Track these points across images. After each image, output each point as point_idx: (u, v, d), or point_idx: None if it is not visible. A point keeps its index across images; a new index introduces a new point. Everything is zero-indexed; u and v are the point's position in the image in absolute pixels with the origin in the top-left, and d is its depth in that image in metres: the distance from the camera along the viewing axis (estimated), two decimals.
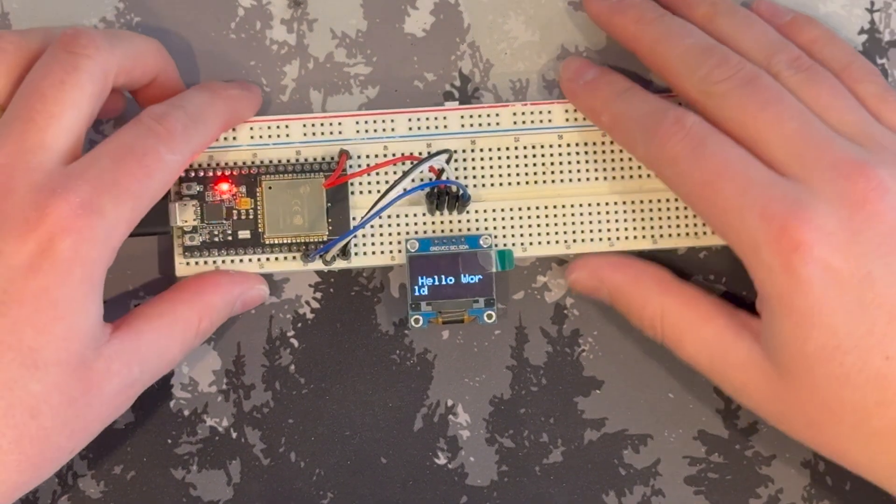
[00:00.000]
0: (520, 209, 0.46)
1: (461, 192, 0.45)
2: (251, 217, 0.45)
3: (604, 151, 0.46)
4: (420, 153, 0.46)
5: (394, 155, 0.46)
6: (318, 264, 0.46)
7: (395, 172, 0.46)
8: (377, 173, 0.46)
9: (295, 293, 0.47)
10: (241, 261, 0.46)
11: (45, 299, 0.39)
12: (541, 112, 0.46)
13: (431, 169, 0.45)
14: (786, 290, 0.40)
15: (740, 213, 0.40)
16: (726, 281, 0.47)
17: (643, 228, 0.46)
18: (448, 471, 0.47)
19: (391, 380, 0.47)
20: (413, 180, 0.45)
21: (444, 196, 0.45)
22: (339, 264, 0.46)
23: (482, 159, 0.46)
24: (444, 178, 0.45)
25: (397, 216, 0.46)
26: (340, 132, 0.46)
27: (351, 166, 0.46)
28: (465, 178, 0.46)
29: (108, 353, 0.41)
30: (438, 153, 0.45)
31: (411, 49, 0.47)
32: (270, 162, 0.46)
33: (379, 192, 0.45)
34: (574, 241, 0.46)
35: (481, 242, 0.46)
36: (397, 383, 0.47)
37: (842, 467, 0.42)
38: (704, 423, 0.47)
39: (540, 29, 0.47)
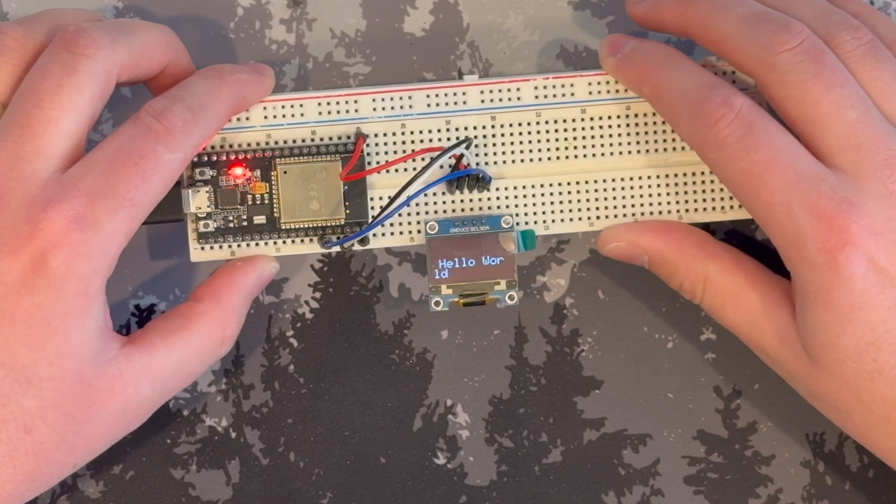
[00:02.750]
0: (542, 186, 0.45)
1: (482, 175, 0.44)
2: (266, 202, 0.44)
3: (627, 125, 0.45)
4: (439, 130, 0.45)
5: (412, 133, 0.45)
6: (336, 248, 0.45)
7: (413, 160, 0.45)
8: (395, 153, 0.45)
9: (294, 293, 0.47)
10: (256, 245, 0.45)
11: (38, 316, 0.39)
12: (563, 85, 0.45)
13: (452, 155, 0.44)
14: (827, 286, 0.39)
15: (787, 207, 0.40)
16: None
17: (668, 203, 0.45)
18: (447, 471, 0.47)
19: (390, 379, 0.47)
20: (433, 171, 0.44)
21: (465, 178, 0.44)
22: (358, 247, 0.45)
23: (503, 135, 0.45)
24: (464, 162, 0.44)
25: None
26: (357, 111, 0.45)
27: (368, 145, 0.45)
28: (486, 154, 0.45)
29: (111, 371, 0.40)
30: (459, 143, 0.44)
31: (410, 49, 0.47)
32: (285, 143, 0.44)
33: (397, 172, 0.45)
34: (598, 217, 0.45)
35: (503, 223, 0.44)
36: (396, 383, 0.47)
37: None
38: (704, 423, 0.47)
39: (539, 29, 0.47)
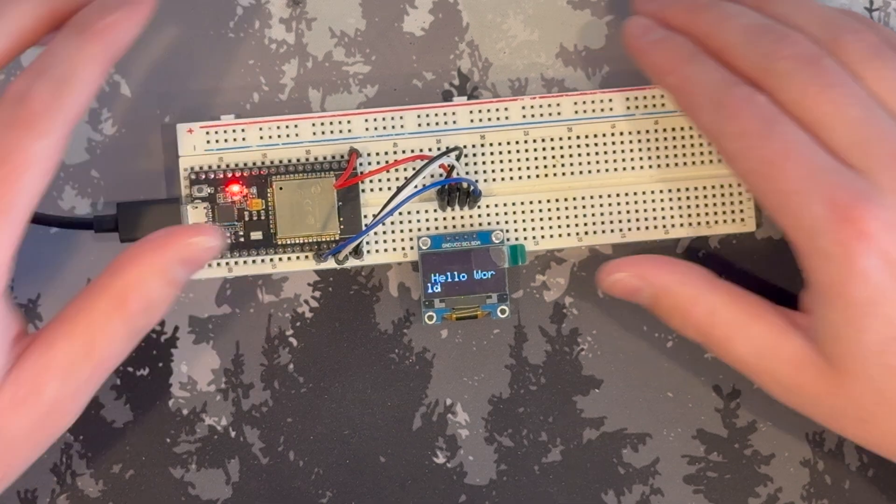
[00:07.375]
0: (531, 203, 0.46)
1: (472, 188, 0.45)
2: (263, 218, 0.45)
3: (613, 143, 0.46)
4: (430, 150, 0.46)
5: (403, 152, 0.46)
6: (330, 263, 0.46)
7: (405, 170, 0.46)
8: (387, 171, 0.46)
9: (294, 292, 0.47)
10: (253, 261, 0.46)
11: None
12: (549, 105, 0.46)
13: (442, 166, 0.45)
14: (842, 280, 0.39)
15: (804, 196, 0.40)
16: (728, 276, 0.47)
17: (654, 219, 0.46)
18: (447, 470, 0.47)
19: (390, 379, 0.47)
20: (424, 178, 0.45)
21: (456, 192, 0.45)
22: (352, 263, 0.46)
23: (492, 154, 0.46)
24: (454, 174, 0.45)
25: (409, 213, 0.46)
26: (350, 130, 0.46)
27: (361, 164, 0.46)
28: (476, 173, 0.46)
29: (7, 383, 0.38)
30: (449, 151, 0.45)
31: (410, 48, 0.47)
32: (280, 162, 0.46)
33: (390, 189, 0.45)
34: (586, 233, 0.46)
35: (493, 238, 0.46)
36: (396, 382, 0.47)
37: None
38: (703, 422, 0.47)
39: (539, 28, 0.47)
